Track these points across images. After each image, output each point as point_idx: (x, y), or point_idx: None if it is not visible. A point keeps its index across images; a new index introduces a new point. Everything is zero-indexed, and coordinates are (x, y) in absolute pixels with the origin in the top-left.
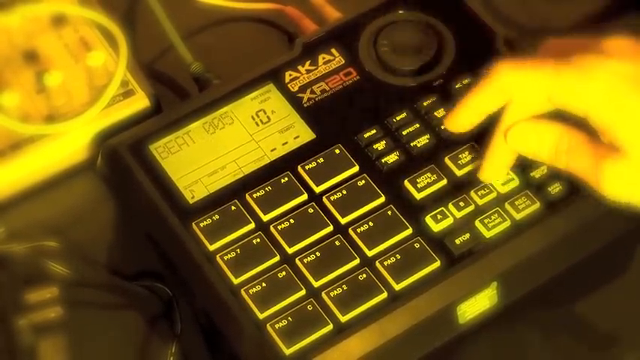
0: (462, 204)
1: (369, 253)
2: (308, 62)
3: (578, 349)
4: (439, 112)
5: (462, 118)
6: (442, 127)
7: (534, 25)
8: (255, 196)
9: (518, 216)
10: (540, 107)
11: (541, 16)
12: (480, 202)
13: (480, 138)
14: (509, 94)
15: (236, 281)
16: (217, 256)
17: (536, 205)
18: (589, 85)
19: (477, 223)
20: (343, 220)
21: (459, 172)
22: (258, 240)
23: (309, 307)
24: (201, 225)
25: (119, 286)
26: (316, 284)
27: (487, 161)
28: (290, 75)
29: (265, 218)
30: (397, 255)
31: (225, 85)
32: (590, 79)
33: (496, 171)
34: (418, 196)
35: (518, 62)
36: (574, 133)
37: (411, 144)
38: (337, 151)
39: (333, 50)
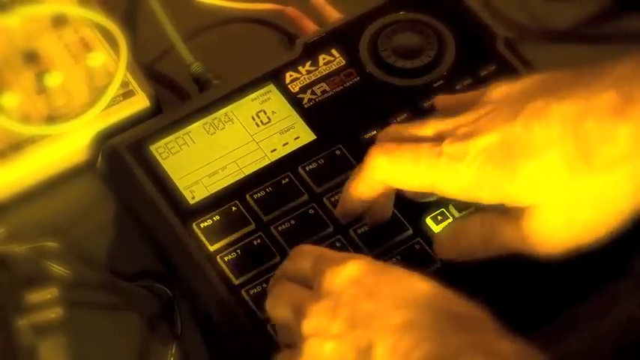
0: (462, 205)
1: (370, 254)
2: (308, 63)
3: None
4: None
5: (348, 211)
6: None
7: (534, 25)
8: (255, 196)
9: None
10: None
11: (541, 16)
12: None
13: None
14: (387, 185)
15: (236, 282)
16: (218, 256)
17: None
18: (464, 175)
19: None
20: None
21: None
22: (259, 241)
23: None
24: (202, 226)
25: (119, 286)
26: None
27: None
28: (290, 76)
29: (266, 219)
30: (398, 256)
31: (226, 85)
32: (464, 167)
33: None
34: None
35: (391, 152)
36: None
37: None
38: (338, 152)
39: (334, 51)
